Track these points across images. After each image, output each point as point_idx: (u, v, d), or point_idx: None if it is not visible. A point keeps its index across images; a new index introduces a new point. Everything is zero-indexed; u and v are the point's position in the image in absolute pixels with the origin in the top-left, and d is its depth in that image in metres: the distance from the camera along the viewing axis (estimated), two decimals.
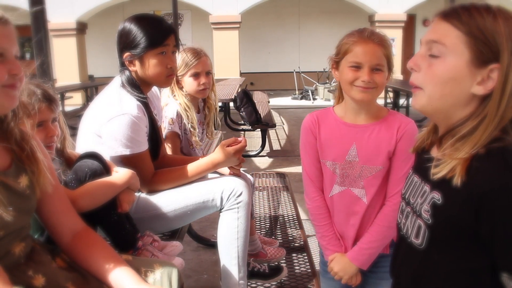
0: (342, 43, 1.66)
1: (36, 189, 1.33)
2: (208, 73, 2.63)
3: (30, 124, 1.42)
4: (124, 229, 1.78)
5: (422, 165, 1.14)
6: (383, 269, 1.76)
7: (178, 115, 2.57)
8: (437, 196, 1.03)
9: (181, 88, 2.61)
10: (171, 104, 2.59)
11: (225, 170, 2.30)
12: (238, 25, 15.02)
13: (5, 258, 1.24)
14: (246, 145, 2.21)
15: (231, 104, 7.56)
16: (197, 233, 3.75)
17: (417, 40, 17.16)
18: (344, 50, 1.64)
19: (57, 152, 1.85)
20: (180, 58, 2.55)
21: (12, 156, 1.30)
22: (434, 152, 1.12)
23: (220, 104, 8.26)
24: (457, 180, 0.96)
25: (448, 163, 1.00)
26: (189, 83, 2.59)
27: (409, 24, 16.20)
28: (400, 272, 1.22)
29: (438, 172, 1.01)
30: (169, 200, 2.09)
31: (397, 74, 12.20)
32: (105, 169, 1.77)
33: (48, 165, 1.40)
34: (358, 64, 1.61)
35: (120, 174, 1.80)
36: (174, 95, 2.61)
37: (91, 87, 12.78)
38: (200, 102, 2.79)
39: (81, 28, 15.22)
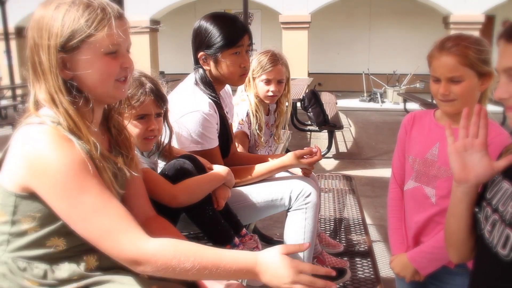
0: (427, 56, 1.66)
1: (127, 171, 1.38)
2: (280, 82, 2.65)
3: (128, 114, 1.56)
4: (219, 224, 1.82)
5: None
6: (447, 285, 1.74)
7: (248, 116, 2.61)
8: None
9: (253, 87, 2.65)
10: (242, 104, 2.64)
11: (296, 169, 2.31)
12: (307, 25, 14.94)
13: None
14: (321, 159, 2.21)
15: (298, 104, 7.55)
16: (261, 231, 3.79)
17: (495, 43, 16.39)
18: (428, 63, 1.65)
19: (159, 147, 1.93)
20: (257, 60, 2.59)
21: (110, 140, 1.39)
22: None
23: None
24: None
25: None
26: (260, 87, 2.63)
27: (488, 26, 15.42)
28: (479, 284, 1.17)
29: None
30: (239, 197, 2.12)
31: None
32: (197, 170, 1.82)
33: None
34: (436, 77, 1.61)
35: (217, 171, 1.87)
36: (248, 95, 2.65)
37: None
38: (272, 104, 2.82)
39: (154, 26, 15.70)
